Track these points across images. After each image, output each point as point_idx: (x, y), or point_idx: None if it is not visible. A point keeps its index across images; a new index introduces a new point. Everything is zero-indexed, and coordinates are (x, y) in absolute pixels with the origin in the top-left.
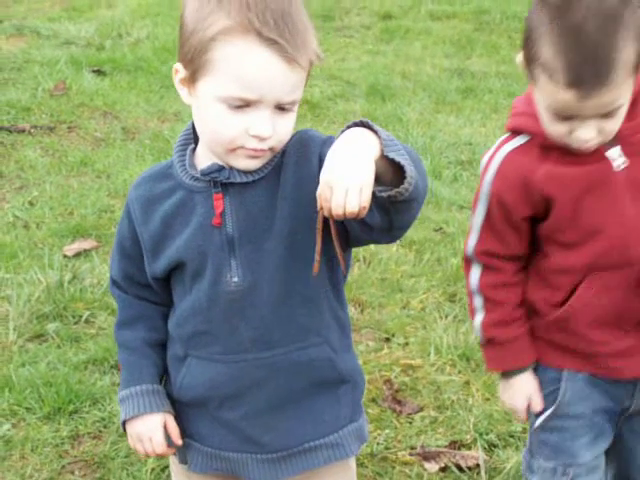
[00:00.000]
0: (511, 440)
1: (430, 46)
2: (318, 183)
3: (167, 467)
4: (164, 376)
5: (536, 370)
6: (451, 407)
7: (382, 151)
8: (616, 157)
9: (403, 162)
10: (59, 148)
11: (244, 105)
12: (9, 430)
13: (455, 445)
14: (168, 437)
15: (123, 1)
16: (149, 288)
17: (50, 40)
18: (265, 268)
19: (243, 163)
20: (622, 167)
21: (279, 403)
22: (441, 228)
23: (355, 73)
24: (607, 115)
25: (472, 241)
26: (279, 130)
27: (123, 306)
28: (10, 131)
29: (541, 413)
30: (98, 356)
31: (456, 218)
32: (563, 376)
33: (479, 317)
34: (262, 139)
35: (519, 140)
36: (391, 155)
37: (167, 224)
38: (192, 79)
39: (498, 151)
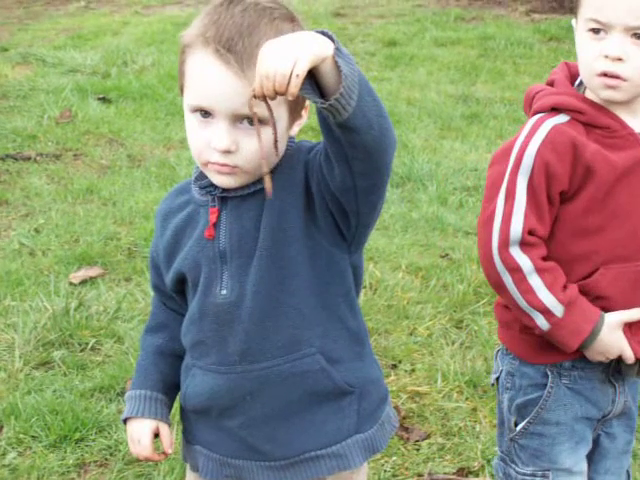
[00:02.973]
0: None
1: (435, 72)
2: (302, 192)
3: None
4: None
5: (521, 374)
6: (458, 434)
7: (333, 57)
8: None
9: (344, 68)
10: (65, 175)
11: (207, 117)
12: (15, 458)
13: (463, 472)
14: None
15: (128, 29)
16: (173, 299)
17: (56, 68)
18: (250, 281)
19: (215, 179)
20: None
21: (276, 414)
22: (447, 254)
23: None
24: (636, 36)
25: (518, 221)
26: (244, 147)
27: (153, 312)
28: (16, 159)
29: (521, 419)
30: (104, 384)
31: (462, 244)
32: (548, 382)
33: (546, 294)
34: (220, 152)
35: (561, 118)
36: (339, 62)
37: (177, 237)
38: (181, 89)
39: (541, 125)
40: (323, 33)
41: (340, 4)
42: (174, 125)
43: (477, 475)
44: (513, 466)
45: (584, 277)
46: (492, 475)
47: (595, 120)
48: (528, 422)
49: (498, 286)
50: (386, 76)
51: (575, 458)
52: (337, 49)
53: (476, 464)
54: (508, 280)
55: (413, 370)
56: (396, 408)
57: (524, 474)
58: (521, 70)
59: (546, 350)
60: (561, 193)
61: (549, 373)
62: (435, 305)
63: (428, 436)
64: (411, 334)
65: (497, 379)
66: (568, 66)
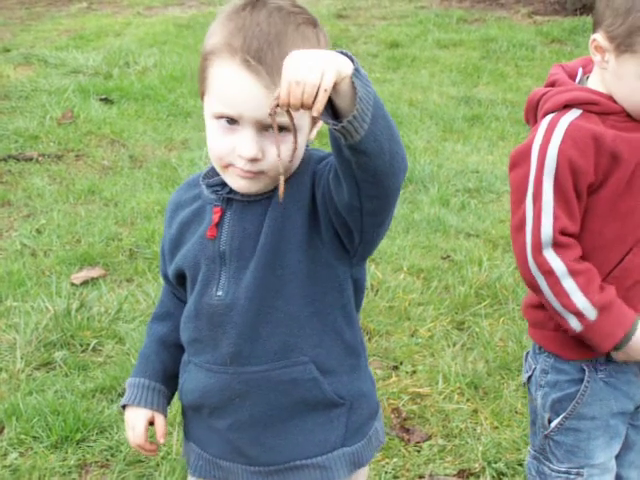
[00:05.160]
0: (519, 469)
1: (437, 74)
2: (307, 201)
3: None
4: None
5: (556, 371)
6: (459, 435)
7: (351, 77)
8: None
9: (360, 90)
10: (67, 176)
11: (233, 124)
12: (16, 459)
13: (464, 474)
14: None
15: (130, 30)
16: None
17: (58, 69)
18: (246, 285)
19: (236, 183)
20: None
21: (264, 419)
22: (449, 256)
23: None
24: None
25: (548, 223)
26: (271, 154)
27: (162, 300)
28: (18, 159)
29: (556, 416)
30: (106, 384)
31: (464, 246)
32: (584, 377)
33: (580, 297)
34: (247, 160)
35: (574, 113)
36: (356, 83)
37: (182, 231)
38: (202, 95)
39: (557, 124)
40: (343, 53)
41: (343, 5)
42: (176, 126)
43: (478, 477)
44: (547, 463)
45: (620, 260)
46: (492, 476)
47: (609, 107)
48: (564, 417)
49: (533, 288)
50: (388, 78)
51: (609, 454)
52: (356, 69)
53: (477, 466)
54: (542, 283)
55: (414, 372)
56: (397, 409)
57: (558, 471)
58: (523, 72)
59: (582, 346)
60: (589, 186)
61: (585, 368)
62: (436, 307)
63: (429, 437)
64: (412, 335)
65: (529, 378)
66: (563, 67)
